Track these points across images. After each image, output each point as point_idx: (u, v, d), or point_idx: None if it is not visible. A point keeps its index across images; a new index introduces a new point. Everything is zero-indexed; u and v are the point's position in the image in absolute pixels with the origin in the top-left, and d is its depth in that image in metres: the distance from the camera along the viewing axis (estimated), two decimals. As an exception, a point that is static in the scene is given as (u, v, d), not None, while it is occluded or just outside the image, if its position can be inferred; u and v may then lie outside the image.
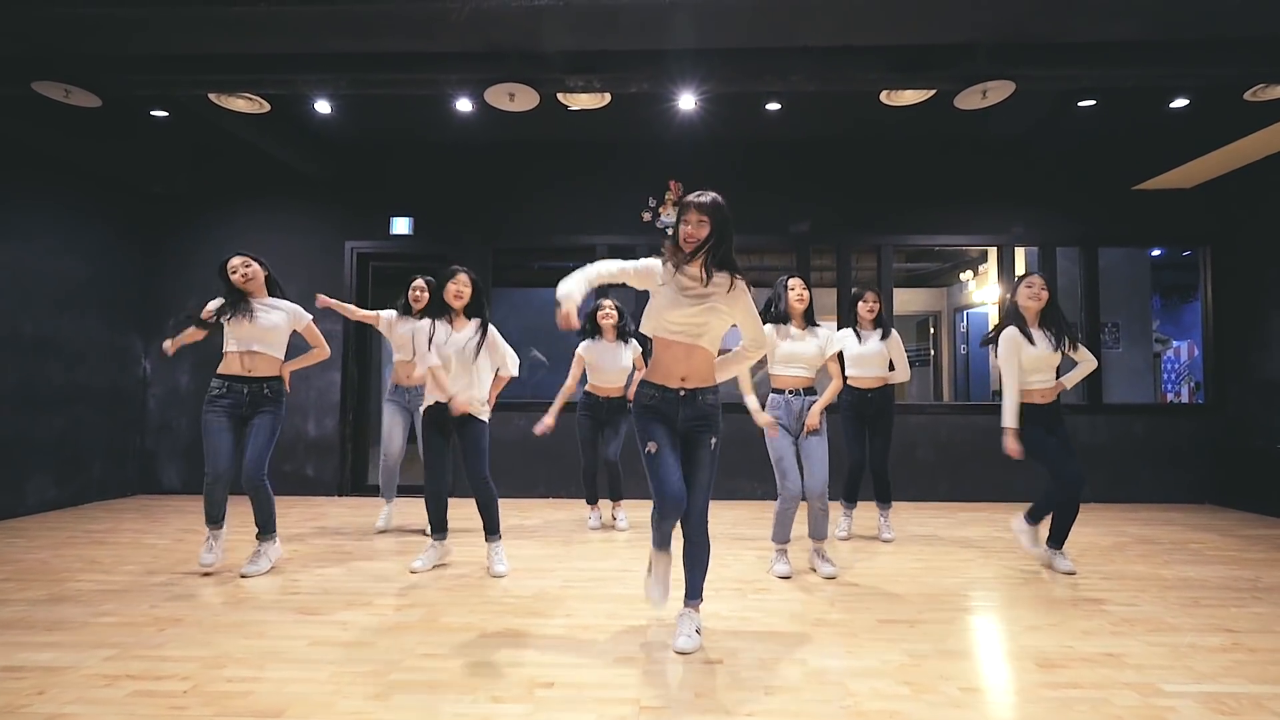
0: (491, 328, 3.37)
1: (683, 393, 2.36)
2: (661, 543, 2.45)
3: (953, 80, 3.70)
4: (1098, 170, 5.81)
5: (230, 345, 3.28)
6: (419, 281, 4.27)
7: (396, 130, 5.71)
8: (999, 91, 3.65)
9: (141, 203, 5.94)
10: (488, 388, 3.37)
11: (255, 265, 3.33)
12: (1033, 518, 3.58)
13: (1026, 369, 3.42)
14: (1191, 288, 10.84)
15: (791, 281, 3.43)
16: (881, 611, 2.82)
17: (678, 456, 2.36)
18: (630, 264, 2.39)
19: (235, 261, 3.30)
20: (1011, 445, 3.33)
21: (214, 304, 3.30)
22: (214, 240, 6.00)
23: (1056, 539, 3.49)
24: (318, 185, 6.04)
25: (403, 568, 3.45)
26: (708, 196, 2.31)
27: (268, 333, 3.28)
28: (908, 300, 9.43)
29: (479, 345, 3.29)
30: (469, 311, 3.36)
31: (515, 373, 3.47)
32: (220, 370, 3.27)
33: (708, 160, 5.84)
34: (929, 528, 4.58)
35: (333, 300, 4.20)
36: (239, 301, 3.27)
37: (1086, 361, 3.55)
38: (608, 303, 4.29)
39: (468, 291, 3.32)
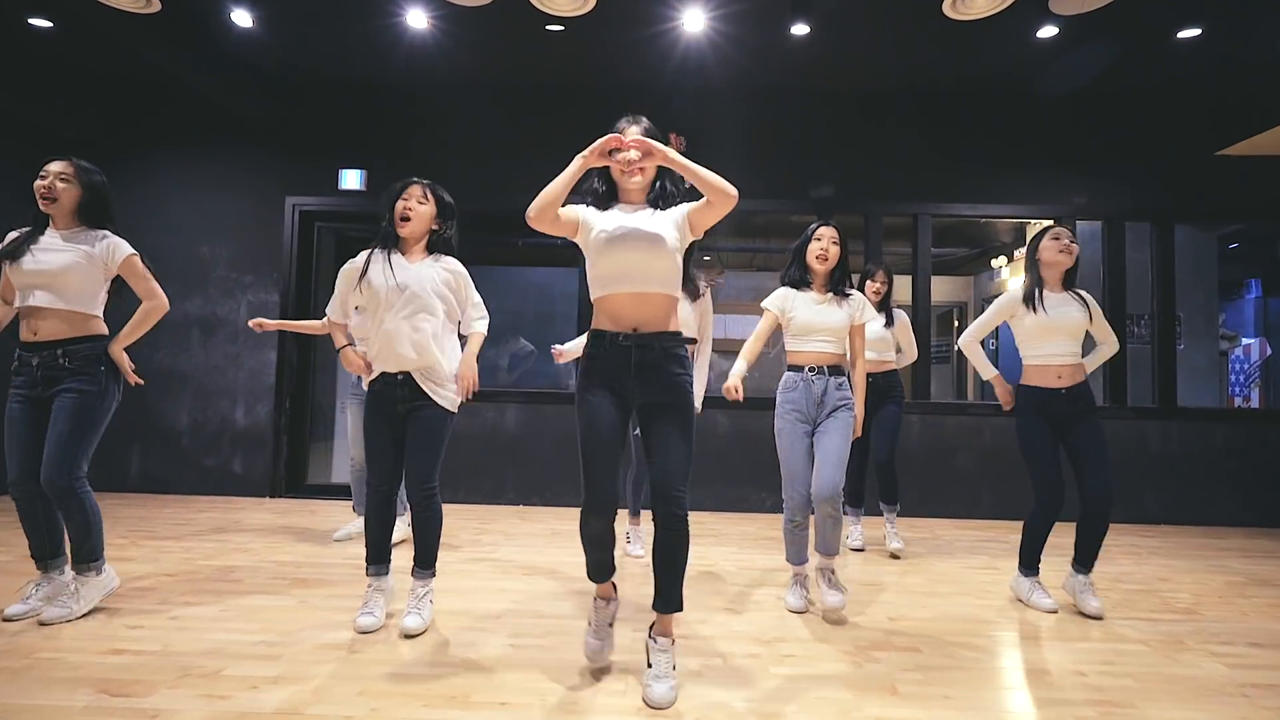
0: (456, 263, 2.42)
1: (627, 340, 1.88)
2: (599, 569, 2.01)
3: (1049, -28, 2.79)
4: (1178, 131, 4.90)
5: (16, 299, 2.35)
6: None
7: (344, 64, 4.76)
8: (1111, -14, 2.74)
9: (45, 150, 4.91)
10: (448, 352, 2.37)
11: (72, 183, 2.35)
12: (1027, 565, 2.80)
13: (1035, 334, 2.70)
14: (1236, 284, 9.99)
15: (820, 230, 2.63)
16: (960, 692, 1.93)
17: (620, 433, 1.91)
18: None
19: (49, 166, 2.36)
20: (1002, 393, 2.84)
21: (13, 234, 2.38)
22: (133, 195, 5.03)
23: (1084, 560, 2.71)
24: (254, 131, 5.10)
25: (301, 608, 2.54)
26: (644, 121, 1.93)
27: (54, 277, 2.28)
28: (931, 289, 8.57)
29: (436, 283, 2.33)
30: (430, 245, 2.40)
31: (482, 329, 2.49)
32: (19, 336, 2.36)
33: (715, 108, 4.92)
34: (980, 554, 3.69)
35: (272, 321, 3.38)
36: (28, 232, 2.34)
37: (1106, 343, 2.82)
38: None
39: (424, 211, 2.35)
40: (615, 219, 1.90)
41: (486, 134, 5.07)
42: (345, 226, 5.56)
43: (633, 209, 1.95)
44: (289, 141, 5.12)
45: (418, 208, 2.35)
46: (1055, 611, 2.68)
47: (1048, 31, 3.79)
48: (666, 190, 1.96)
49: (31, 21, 3.96)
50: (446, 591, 2.75)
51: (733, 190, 1.79)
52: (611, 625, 2.07)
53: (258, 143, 5.13)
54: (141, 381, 2.47)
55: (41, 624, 2.27)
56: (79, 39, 4.24)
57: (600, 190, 1.98)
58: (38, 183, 2.33)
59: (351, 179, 5.09)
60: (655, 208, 1.95)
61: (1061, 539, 2.89)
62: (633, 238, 1.85)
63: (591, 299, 1.94)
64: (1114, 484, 2.66)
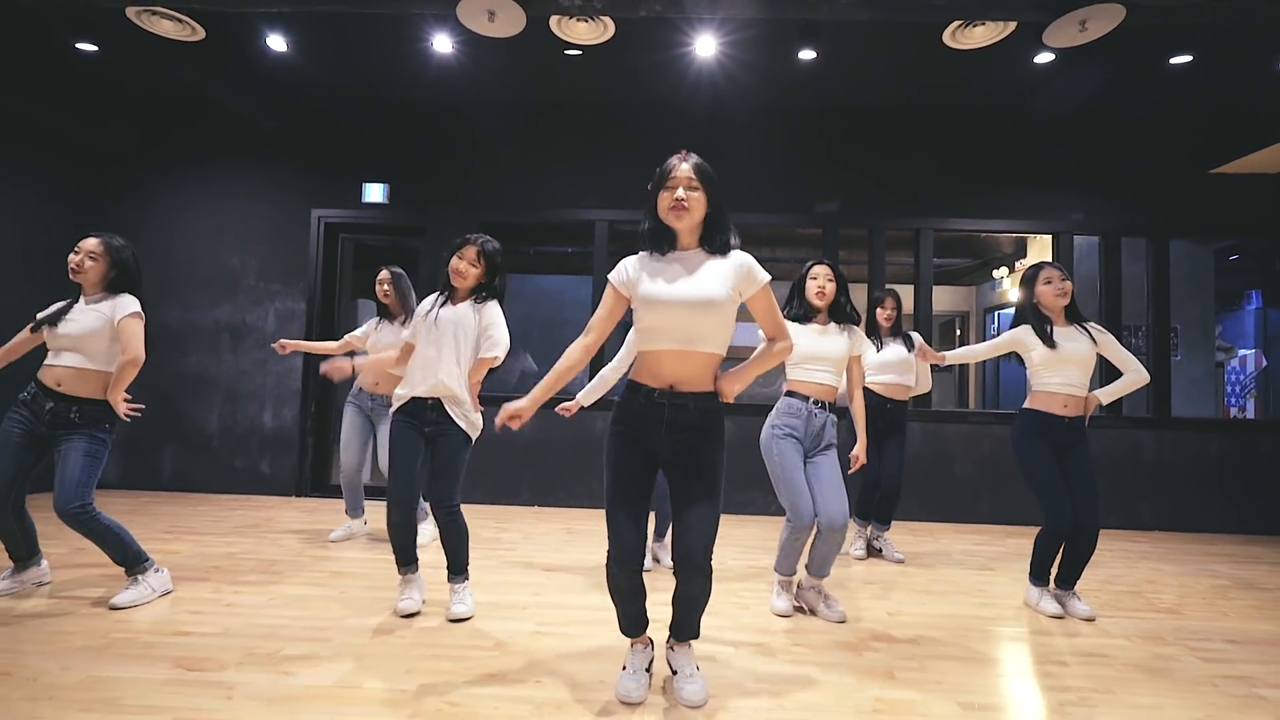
0: (492, 304, 2.62)
1: (662, 397, 1.84)
2: (630, 623, 1.97)
3: (1042, 8, 2.98)
4: (1172, 150, 5.09)
5: (49, 356, 2.59)
6: (383, 274, 3.68)
7: (368, 82, 5.00)
8: (1103, 21, 2.92)
9: (80, 163, 5.22)
10: (465, 381, 2.57)
11: (100, 260, 2.57)
12: (1038, 576, 2.95)
13: (1048, 364, 2.85)
14: (1237, 295, 10.12)
15: (814, 269, 2.77)
16: (953, 678, 2.12)
17: (646, 485, 1.88)
18: (603, 308, 1.91)
19: (83, 243, 2.59)
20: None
21: (56, 305, 2.63)
22: (165, 207, 5.32)
23: (1067, 579, 2.91)
24: (281, 145, 5.34)
25: (343, 597, 2.75)
26: (694, 157, 1.86)
27: (78, 340, 2.52)
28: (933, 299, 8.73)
29: (467, 325, 2.57)
30: (478, 295, 2.64)
31: (498, 355, 2.62)
32: (39, 374, 2.59)
33: (725, 126, 5.12)
34: (978, 558, 3.86)
35: (293, 342, 3.56)
36: (68, 303, 2.61)
37: (1132, 372, 2.88)
38: None
39: (474, 273, 2.59)
40: (665, 275, 1.83)
41: (502, 149, 5.29)
42: (367, 238, 5.79)
43: (685, 256, 1.86)
44: (315, 156, 5.35)
45: (469, 270, 2.58)
46: (1062, 617, 2.80)
47: (1044, 58, 3.99)
48: (721, 229, 1.87)
49: (78, 46, 4.19)
50: (473, 585, 2.94)
51: (790, 345, 1.92)
52: (649, 669, 2.00)
53: (285, 157, 5.36)
54: (139, 410, 2.59)
55: (113, 607, 2.50)
56: (119, 60, 4.48)
57: (647, 230, 1.89)
58: (70, 257, 2.57)
59: (374, 192, 5.31)
60: (708, 248, 1.87)
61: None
62: (680, 295, 1.79)
63: (635, 351, 1.93)
64: (1101, 510, 2.84)
